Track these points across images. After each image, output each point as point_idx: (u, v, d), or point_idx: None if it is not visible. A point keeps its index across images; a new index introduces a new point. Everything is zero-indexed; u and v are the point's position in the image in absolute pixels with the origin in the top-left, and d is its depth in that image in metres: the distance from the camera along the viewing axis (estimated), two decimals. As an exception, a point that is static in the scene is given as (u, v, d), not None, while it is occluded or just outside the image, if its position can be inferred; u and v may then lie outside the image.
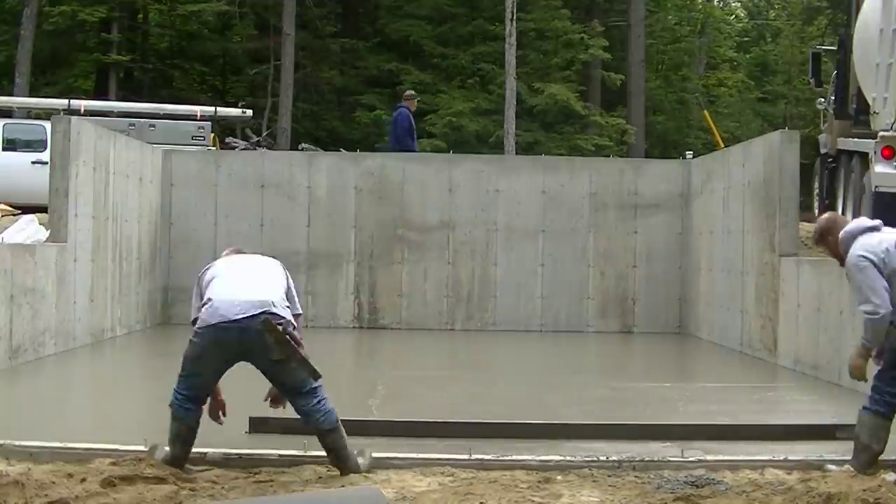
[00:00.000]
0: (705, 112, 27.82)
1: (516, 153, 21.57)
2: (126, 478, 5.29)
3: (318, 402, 5.69)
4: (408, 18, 27.59)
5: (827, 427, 6.69)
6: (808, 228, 15.09)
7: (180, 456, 5.63)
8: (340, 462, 5.63)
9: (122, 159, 12.29)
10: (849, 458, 5.87)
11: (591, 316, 14.09)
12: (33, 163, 16.13)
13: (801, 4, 35.69)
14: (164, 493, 5.08)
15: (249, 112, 19.99)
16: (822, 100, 17.70)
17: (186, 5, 27.71)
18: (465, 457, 5.84)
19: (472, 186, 14.15)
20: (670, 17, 33.97)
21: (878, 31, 13.36)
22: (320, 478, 5.55)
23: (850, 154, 14.56)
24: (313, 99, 28.23)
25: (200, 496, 5.14)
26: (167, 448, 5.66)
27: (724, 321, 12.39)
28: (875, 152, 12.49)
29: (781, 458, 5.98)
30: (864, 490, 5.04)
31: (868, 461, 5.76)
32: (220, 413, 5.88)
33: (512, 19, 21.86)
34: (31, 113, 20.40)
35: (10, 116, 19.12)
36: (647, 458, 5.90)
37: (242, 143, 20.14)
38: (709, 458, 5.95)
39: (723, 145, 21.71)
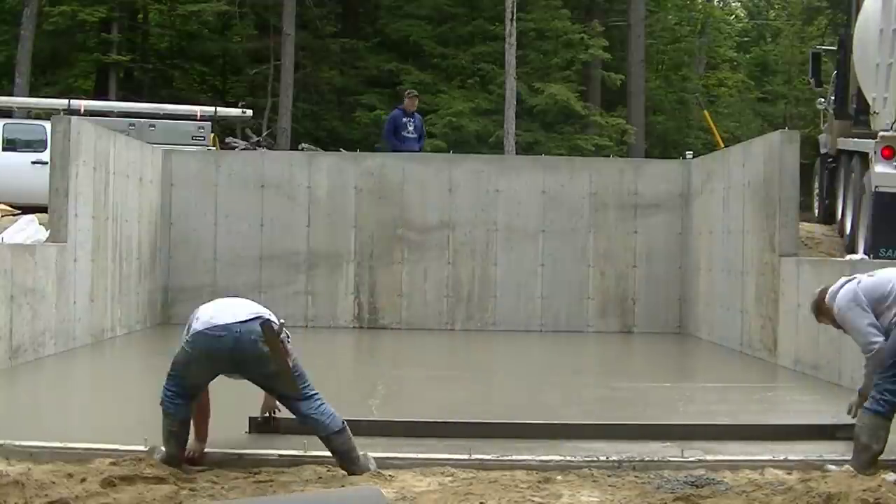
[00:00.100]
0: (705, 112, 27.82)
1: (516, 153, 21.58)
2: (126, 478, 5.29)
3: (321, 404, 5.68)
4: (408, 18, 27.59)
5: (826, 427, 6.69)
6: (808, 228, 15.16)
7: (176, 454, 5.64)
8: (350, 464, 5.60)
9: (122, 159, 12.29)
10: (849, 458, 5.88)
11: (591, 316, 14.09)
12: (33, 163, 16.13)
13: (801, 4, 35.68)
14: (164, 493, 5.08)
15: (249, 112, 19.98)
16: (822, 100, 17.71)
17: (186, 5, 27.71)
18: (465, 457, 5.84)
19: (472, 186, 14.15)
20: (670, 17, 33.97)
21: (878, 31, 13.36)
22: (320, 478, 5.55)
23: (850, 154, 14.56)
24: (313, 99, 28.22)
25: (200, 496, 5.14)
26: (162, 448, 5.67)
27: (724, 321, 12.39)
28: (875, 152, 12.49)
29: (781, 458, 5.98)
30: (864, 490, 5.04)
31: (868, 461, 5.77)
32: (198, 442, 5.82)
33: (512, 19, 21.87)
34: (31, 113, 20.40)
35: (10, 116, 19.11)
36: (647, 458, 5.90)
37: (242, 143, 20.14)
38: (709, 458, 5.95)
39: (723, 145, 21.70)
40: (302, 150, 19.03)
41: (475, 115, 24.99)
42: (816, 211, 17.20)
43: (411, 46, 27.56)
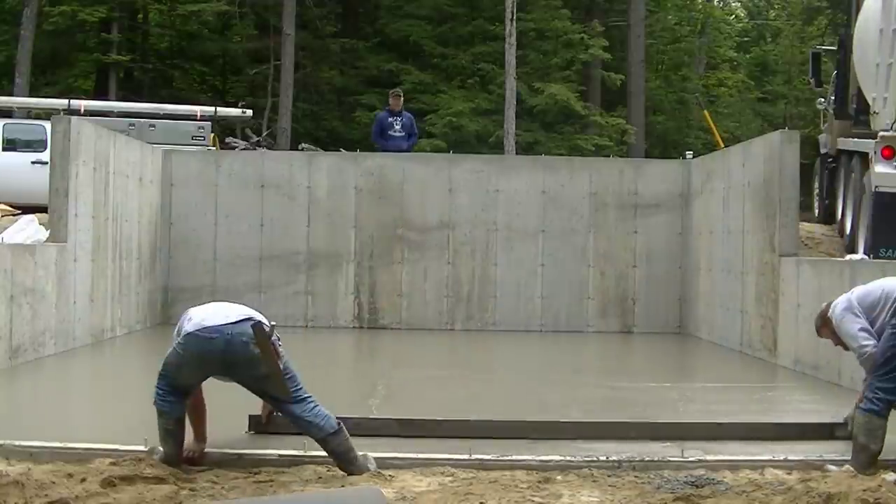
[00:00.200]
0: (705, 112, 27.82)
1: (516, 153, 21.58)
2: (126, 478, 5.29)
3: (314, 406, 5.68)
4: (408, 18, 27.59)
5: (825, 426, 6.69)
6: (808, 228, 15.16)
7: (174, 453, 5.64)
8: (348, 465, 5.59)
9: (122, 159, 12.29)
10: (849, 458, 5.88)
11: (591, 316, 14.09)
12: (33, 163, 16.13)
13: (801, 4, 35.67)
14: (164, 493, 5.08)
15: (249, 112, 19.98)
16: (822, 100, 17.71)
17: (186, 5, 27.70)
18: (465, 457, 5.84)
19: (472, 186, 14.15)
20: (670, 17, 33.96)
21: (878, 31, 13.36)
22: (320, 478, 5.55)
23: (850, 154, 14.56)
24: (313, 99, 28.22)
25: (200, 496, 5.14)
26: (160, 448, 5.67)
27: (724, 321, 12.39)
28: (875, 152, 12.49)
29: (781, 458, 5.98)
30: (864, 490, 5.04)
31: (867, 461, 5.78)
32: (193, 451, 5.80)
33: (512, 19, 21.86)
34: (31, 113, 20.39)
35: (10, 116, 19.10)
36: (647, 458, 5.90)
37: (242, 143, 20.13)
38: (709, 458, 5.95)
39: (723, 145, 21.70)
40: (302, 150, 19.04)
41: (475, 115, 24.98)
42: (816, 211, 17.20)
43: (411, 46, 27.55)
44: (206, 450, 5.81)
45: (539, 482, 5.51)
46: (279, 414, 6.09)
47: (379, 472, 5.58)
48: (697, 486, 5.43)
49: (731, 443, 6.38)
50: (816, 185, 17.45)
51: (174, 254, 13.89)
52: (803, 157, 11.54)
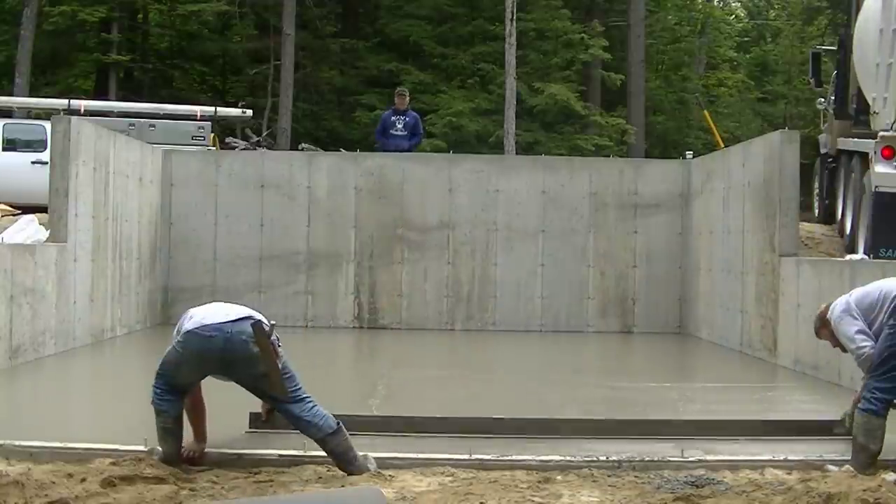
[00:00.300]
0: (705, 112, 27.81)
1: (516, 153, 21.57)
2: (126, 478, 5.29)
3: (313, 406, 5.68)
4: (408, 18, 27.58)
5: (823, 423, 6.68)
6: (808, 228, 15.15)
7: (173, 452, 5.64)
8: (347, 465, 5.59)
9: (122, 159, 12.29)
10: (849, 458, 5.88)
11: (591, 316, 14.09)
12: (33, 163, 16.13)
13: (801, 4, 35.66)
14: (164, 493, 5.08)
15: (249, 112, 19.97)
16: (822, 100, 17.71)
17: (186, 5, 27.69)
18: (465, 457, 5.84)
19: (472, 186, 14.15)
20: (670, 17, 33.95)
21: (878, 31, 13.35)
22: (320, 478, 5.55)
23: (850, 154, 14.56)
24: (313, 99, 28.22)
25: (200, 496, 5.14)
26: (159, 448, 5.67)
27: (724, 321, 12.39)
28: (875, 152, 12.49)
29: (781, 458, 5.98)
30: (864, 490, 5.04)
31: (867, 461, 5.78)
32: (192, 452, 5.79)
33: (512, 19, 21.86)
34: (31, 113, 20.38)
35: (10, 116, 19.10)
36: (647, 458, 5.90)
37: (242, 143, 20.13)
38: (709, 458, 5.95)
39: (723, 145, 21.70)
40: (302, 150, 19.03)
41: (475, 115, 24.98)
42: (816, 211, 17.19)
43: (411, 46, 27.54)
44: (205, 449, 5.81)
45: (539, 482, 5.51)
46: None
47: (379, 472, 5.58)
48: (697, 486, 5.43)
49: (731, 443, 6.38)
50: (816, 185, 17.45)
51: (174, 254, 13.89)
52: (803, 157, 11.54)
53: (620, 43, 28.67)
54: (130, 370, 10.16)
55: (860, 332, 6.01)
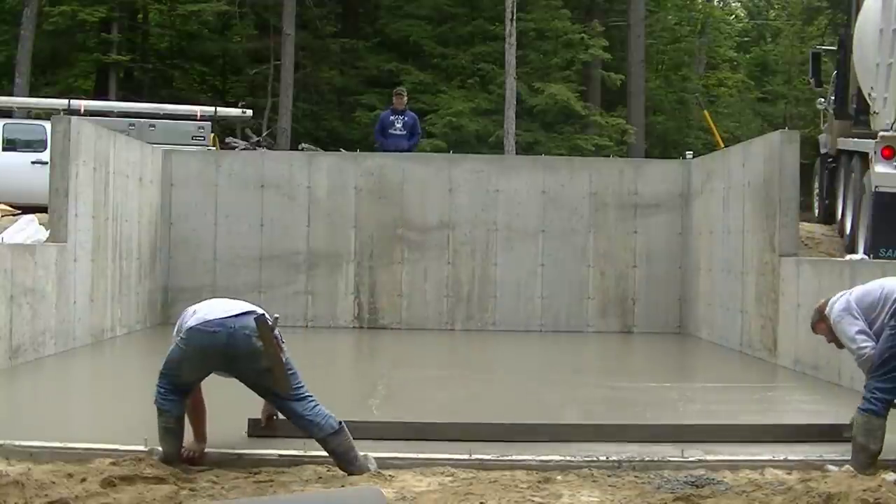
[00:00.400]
0: (705, 112, 27.82)
1: (516, 153, 21.58)
2: (126, 478, 5.29)
3: (315, 405, 5.67)
4: (408, 18, 27.58)
5: (835, 427, 6.65)
6: (808, 228, 15.16)
7: (173, 451, 5.64)
8: (348, 465, 5.58)
9: (122, 159, 12.29)
10: (849, 458, 5.88)
11: (591, 316, 14.09)
12: (33, 163, 16.13)
13: (801, 4, 35.67)
14: (164, 493, 5.08)
15: (249, 112, 19.98)
16: (822, 100, 17.72)
17: (186, 5, 27.70)
18: (465, 457, 5.84)
19: (472, 186, 14.15)
20: (670, 17, 33.95)
21: (878, 31, 13.35)
22: (320, 478, 5.55)
23: (850, 154, 14.56)
24: (313, 99, 28.22)
25: (200, 496, 5.14)
26: (159, 448, 5.66)
27: (724, 321, 12.39)
28: (875, 152, 12.49)
29: (781, 458, 5.98)
30: (864, 490, 5.04)
31: (866, 461, 5.78)
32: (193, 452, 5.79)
33: (512, 19, 21.86)
34: (31, 113, 20.39)
35: (10, 116, 19.10)
36: (647, 458, 5.90)
37: (242, 143, 20.13)
38: (709, 458, 5.95)
39: (723, 145, 21.70)
40: (302, 150, 19.04)
41: (475, 115, 24.98)
42: (816, 211, 17.20)
43: (411, 46, 27.55)
44: (206, 450, 5.81)
45: (539, 482, 5.51)
46: (279, 416, 6.08)
47: (379, 472, 5.57)
48: (697, 486, 5.43)
49: (731, 443, 6.37)
50: (816, 185, 17.46)
51: (174, 254, 13.89)
52: (803, 157, 11.54)
53: (620, 43, 28.67)
54: (130, 370, 10.16)
55: (861, 332, 6.00)
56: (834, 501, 4.98)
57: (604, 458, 5.88)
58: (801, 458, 5.97)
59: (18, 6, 26.11)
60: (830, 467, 5.85)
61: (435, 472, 5.64)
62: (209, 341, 5.54)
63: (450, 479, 5.54)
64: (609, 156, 22.37)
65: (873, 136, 12.99)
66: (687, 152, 16.58)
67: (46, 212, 11.44)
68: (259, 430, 6.29)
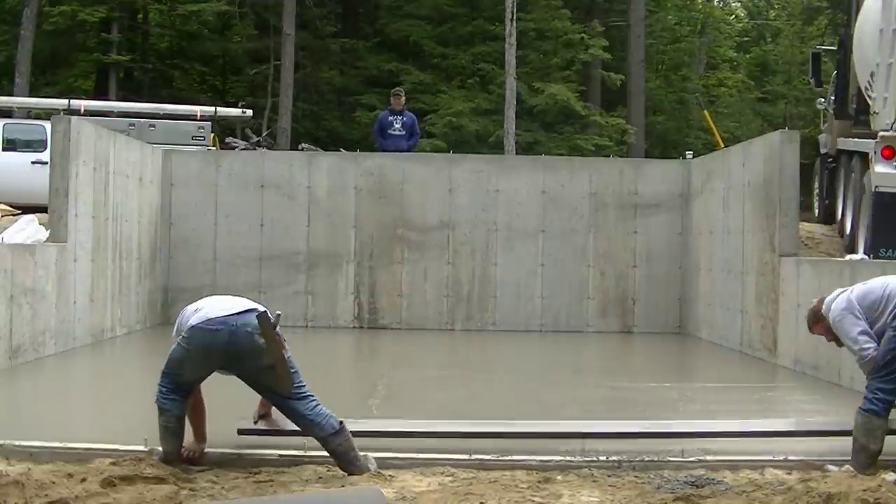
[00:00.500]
0: (705, 112, 27.81)
1: (516, 153, 21.57)
2: (126, 478, 5.29)
3: (316, 405, 5.67)
4: (408, 18, 27.58)
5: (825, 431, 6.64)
6: (808, 228, 15.15)
7: (174, 451, 5.64)
8: (348, 465, 5.58)
9: (122, 159, 12.29)
10: (849, 458, 5.88)
11: (591, 316, 14.09)
12: (33, 163, 16.12)
13: (801, 4, 35.66)
14: (164, 493, 5.08)
15: (249, 112, 19.97)
16: (822, 100, 17.71)
17: (186, 5, 27.69)
18: (465, 457, 5.84)
19: (472, 186, 14.15)
20: (670, 17, 33.95)
21: (878, 31, 13.35)
22: (320, 478, 5.55)
23: (850, 154, 14.55)
24: (313, 99, 28.22)
25: (200, 496, 5.14)
26: (159, 448, 5.66)
27: (724, 321, 12.39)
28: (875, 152, 12.48)
29: (781, 458, 5.99)
30: (864, 490, 5.04)
31: (867, 461, 5.79)
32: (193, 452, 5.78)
33: (512, 19, 21.86)
34: (31, 113, 20.38)
35: (10, 116, 19.09)
36: (647, 458, 5.90)
37: (242, 143, 20.13)
38: (709, 458, 5.95)
39: (723, 145, 21.70)
40: (302, 150, 19.03)
41: (475, 115, 24.97)
42: (816, 211, 17.19)
43: (411, 46, 27.54)
44: (205, 450, 5.81)
45: (539, 482, 5.51)
46: (272, 416, 6.07)
47: (379, 472, 5.57)
48: (697, 486, 5.43)
49: (730, 443, 6.38)
50: (816, 185, 17.45)
51: (174, 254, 13.89)
52: (803, 157, 11.54)
53: (620, 43, 28.67)
54: (130, 370, 10.17)
55: (863, 332, 5.96)
56: (834, 501, 4.98)
57: (604, 458, 5.88)
58: (801, 458, 5.98)
59: (18, 6, 26.10)
60: (830, 467, 5.85)
61: (435, 472, 5.64)
62: (211, 339, 5.53)
63: (450, 479, 5.55)
64: (609, 156, 22.37)
65: (873, 136, 12.99)
66: (687, 152, 16.59)
67: (46, 212, 11.44)
68: (248, 429, 6.27)
